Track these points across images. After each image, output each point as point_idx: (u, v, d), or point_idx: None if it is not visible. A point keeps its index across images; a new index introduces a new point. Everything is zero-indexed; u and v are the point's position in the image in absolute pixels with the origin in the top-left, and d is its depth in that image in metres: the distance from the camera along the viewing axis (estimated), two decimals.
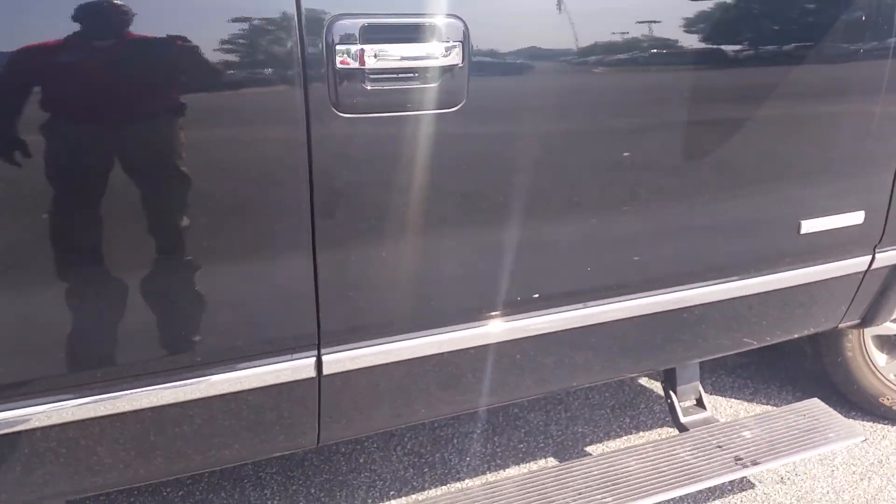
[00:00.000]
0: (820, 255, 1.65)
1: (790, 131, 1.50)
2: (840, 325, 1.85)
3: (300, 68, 1.05)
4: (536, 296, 1.38)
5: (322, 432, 1.33)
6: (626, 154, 1.33)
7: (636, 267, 1.44)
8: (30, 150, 0.95)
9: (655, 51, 1.28)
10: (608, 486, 1.53)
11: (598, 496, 1.51)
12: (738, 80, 1.41)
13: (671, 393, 1.82)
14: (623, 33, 1.26)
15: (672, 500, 1.87)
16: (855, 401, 2.23)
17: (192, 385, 1.16)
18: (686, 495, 1.90)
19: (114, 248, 1.03)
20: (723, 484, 1.97)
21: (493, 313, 1.35)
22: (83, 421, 1.09)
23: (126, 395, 1.11)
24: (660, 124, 1.34)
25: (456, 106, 1.16)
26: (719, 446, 1.72)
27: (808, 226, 1.59)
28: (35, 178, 0.96)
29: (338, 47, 1.06)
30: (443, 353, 1.35)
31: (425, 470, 1.99)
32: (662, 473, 1.61)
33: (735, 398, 2.36)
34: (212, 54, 1.00)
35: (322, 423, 1.32)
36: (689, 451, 1.69)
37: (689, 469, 1.63)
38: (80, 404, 1.09)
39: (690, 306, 1.55)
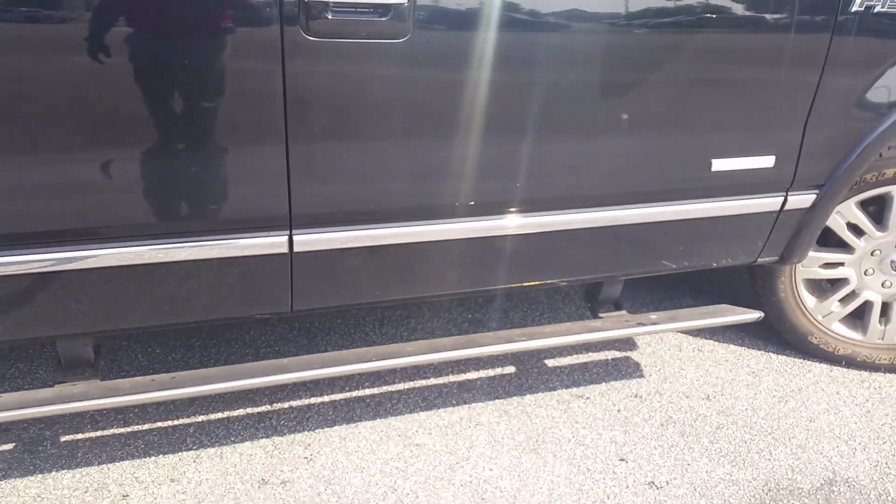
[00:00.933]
0: (732, 192, 1.91)
1: (705, 84, 1.76)
2: (759, 260, 2.11)
3: (277, 6, 1.36)
4: (472, 203, 1.68)
5: (294, 301, 1.66)
6: (555, 85, 1.61)
7: (563, 185, 1.73)
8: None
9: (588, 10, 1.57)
10: (526, 336, 1.87)
11: (517, 337, 1.85)
12: (658, 40, 1.67)
13: (594, 304, 2.11)
14: None
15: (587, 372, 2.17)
16: (789, 339, 2.48)
17: (195, 247, 1.50)
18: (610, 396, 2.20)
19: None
20: (652, 395, 2.27)
21: (436, 214, 1.66)
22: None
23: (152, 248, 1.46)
24: (585, 70, 1.63)
25: (403, 38, 1.46)
26: (626, 320, 2.03)
27: (719, 164, 1.85)
28: None
29: None
30: (393, 244, 1.66)
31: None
32: (571, 330, 1.94)
33: (676, 334, 2.63)
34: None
35: (294, 292, 1.65)
36: (598, 322, 2.01)
37: (594, 328, 1.96)
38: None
39: (611, 226, 1.83)
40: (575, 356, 2.44)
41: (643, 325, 2.04)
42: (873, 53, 1.87)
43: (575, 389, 2.28)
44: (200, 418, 2.07)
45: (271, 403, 2.14)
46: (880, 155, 2.11)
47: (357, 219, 1.62)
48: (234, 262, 1.55)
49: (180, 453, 1.94)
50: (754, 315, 2.15)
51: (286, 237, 1.57)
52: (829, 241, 2.29)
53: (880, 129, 1.95)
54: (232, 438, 2.00)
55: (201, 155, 1.44)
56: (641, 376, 2.36)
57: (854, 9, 1.80)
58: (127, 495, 1.81)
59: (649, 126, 1.75)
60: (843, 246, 2.29)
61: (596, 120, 1.69)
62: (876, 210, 2.24)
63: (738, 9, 1.71)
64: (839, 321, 2.42)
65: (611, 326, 2.00)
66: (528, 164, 1.67)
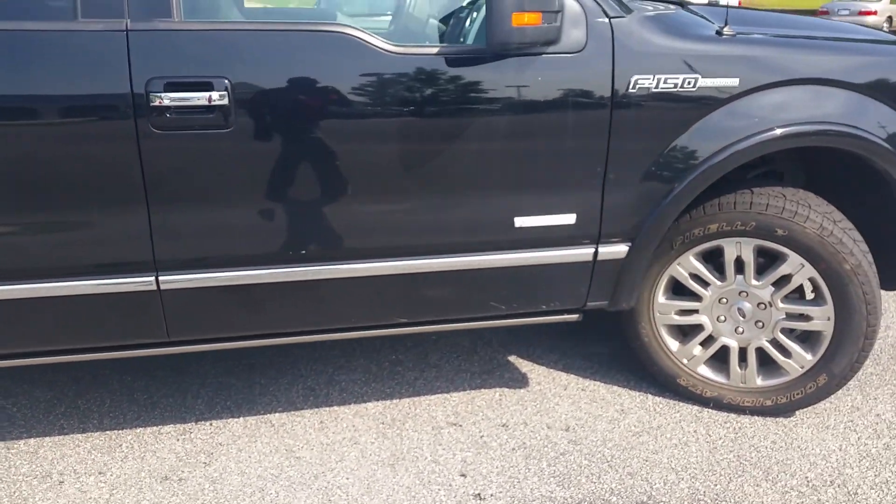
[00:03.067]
0: (539, 244, 2.27)
1: (504, 154, 2.15)
2: (588, 304, 2.42)
3: (131, 104, 1.93)
4: (304, 252, 2.15)
5: (169, 328, 2.18)
6: (367, 159, 2.08)
7: (385, 237, 2.16)
8: None
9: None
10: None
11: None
12: (457, 120, 2.10)
13: None
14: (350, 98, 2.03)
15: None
16: (661, 382, 2.73)
17: (84, 283, 2.06)
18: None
19: None
20: (519, 425, 2.58)
21: (273, 261, 2.14)
22: None
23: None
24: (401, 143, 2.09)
25: (228, 128, 2.00)
26: None
27: (521, 221, 2.23)
28: None
29: (151, 94, 1.94)
30: (241, 285, 2.15)
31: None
32: None
33: (567, 374, 2.92)
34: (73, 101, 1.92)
35: (168, 323, 2.17)
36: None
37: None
38: None
39: (432, 272, 2.24)
40: (466, 391, 2.79)
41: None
42: (656, 126, 2.21)
43: (453, 418, 2.63)
44: (138, 429, 2.60)
45: (196, 421, 2.64)
46: (703, 211, 2.40)
47: (213, 264, 2.12)
48: (116, 297, 2.09)
49: (112, 453, 2.47)
50: (573, 316, 2.43)
51: (153, 277, 2.10)
52: (685, 290, 2.55)
53: (675, 192, 2.25)
54: (156, 445, 2.51)
55: (86, 214, 2.00)
56: (517, 409, 2.68)
57: (629, 90, 2.16)
58: (62, 482, 2.34)
59: (457, 190, 2.16)
60: (693, 294, 2.55)
61: (409, 185, 2.13)
62: (718, 261, 2.50)
63: (529, 92, 2.11)
64: (704, 364, 2.64)
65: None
66: (350, 219, 2.13)
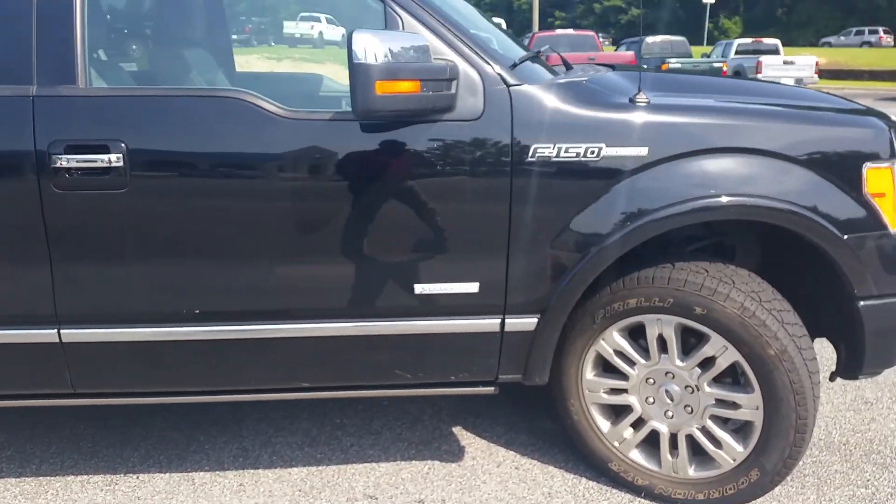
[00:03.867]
0: (443, 313, 2.22)
1: (401, 223, 2.14)
2: (500, 377, 2.33)
3: (35, 165, 2.04)
4: (197, 311, 2.19)
5: (72, 380, 2.24)
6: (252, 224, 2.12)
7: (276, 299, 2.17)
8: None
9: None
10: None
11: None
12: (352, 190, 2.11)
13: None
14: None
15: None
16: (594, 464, 2.58)
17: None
18: None
19: None
20: (436, 501, 2.49)
21: (170, 319, 2.18)
22: None
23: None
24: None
25: (124, 189, 2.08)
26: None
27: (423, 288, 2.19)
28: None
29: (52, 156, 2.05)
30: (139, 341, 2.20)
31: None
32: None
33: (505, 451, 2.80)
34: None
35: (71, 375, 2.23)
36: None
37: None
38: None
39: (335, 336, 2.22)
40: (396, 462, 2.72)
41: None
42: (559, 196, 2.15)
43: (372, 490, 2.56)
44: (69, 477, 2.65)
45: (126, 473, 2.67)
46: (623, 285, 2.30)
47: (111, 319, 2.18)
48: (22, 347, 2.17)
49: (35, 500, 2.52)
50: (488, 389, 2.33)
51: (55, 330, 2.17)
52: (615, 367, 2.43)
53: (581, 264, 2.17)
54: (79, 494, 2.55)
55: None
56: (441, 485, 2.58)
57: (528, 158, 2.12)
58: None
59: (353, 254, 2.16)
60: (621, 373, 2.43)
61: (302, 248, 2.14)
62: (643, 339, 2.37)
63: (425, 158, 2.10)
64: (636, 449, 2.49)
65: None
66: (240, 281, 2.16)
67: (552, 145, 2.11)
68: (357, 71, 1.83)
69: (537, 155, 2.12)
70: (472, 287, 2.20)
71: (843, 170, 2.22)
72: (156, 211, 2.09)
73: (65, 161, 2.04)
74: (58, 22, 2.06)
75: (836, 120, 2.32)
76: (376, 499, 2.52)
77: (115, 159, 2.05)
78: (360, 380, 2.32)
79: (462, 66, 2.10)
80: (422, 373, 2.31)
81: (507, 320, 2.25)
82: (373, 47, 1.82)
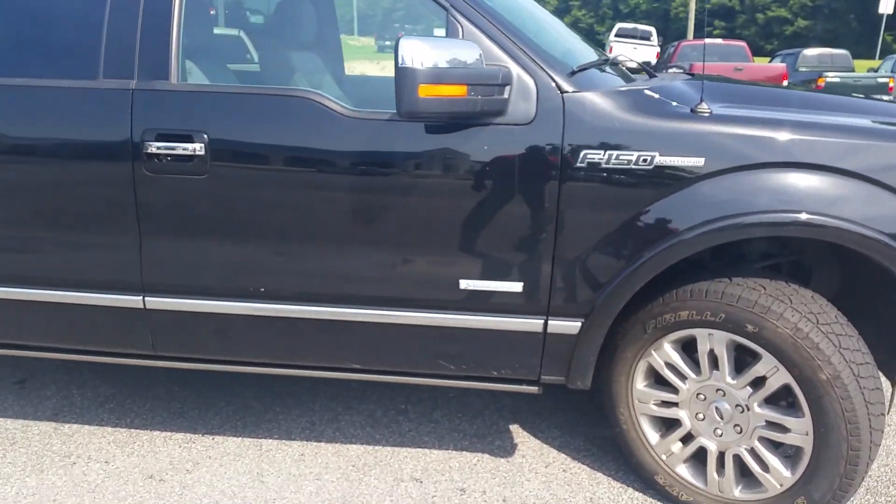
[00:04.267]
0: (486, 309, 2.29)
1: (453, 217, 2.24)
2: (543, 378, 2.36)
3: (131, 151, 2.31)
4: (262, 290, 2.38)
5: (154, 343, 2.50)
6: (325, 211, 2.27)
7: (335, 285, 2.32)
8: None
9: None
10: None
11: None
12: (411, 183, 2.22)
13: None
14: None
15: None
16: (641, 476, 2.56)
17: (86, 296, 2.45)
18: None
19: None
20: (476, 493, 2.57)
21: (241, 294, 2.39)
22: None
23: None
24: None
25: (204, 175, 2.30)
26: None
27: (467, 284, 2.27)
28: None
29: (145, 142, 2.30)
30: (213, 313, 2.42)
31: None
32: None
33: (560, 451, 2.82)
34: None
35: (153, 337, 2.49)
36: None
37: None
38: None
39: (384, 323, 2.34)
40: (448, 451, 2.81)
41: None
42: (608, 203, 2.15)
43: (419, 474, 2.67)
44: (156, 432, 2.95)
45: (203, 433, 2.93)
46: (675, 296, 2.28)
47: (189, 291, 2.42)
48: (110, 310, 2.46)
49: (124, 448, 2.83)
50: (531, 388, 2.36)
51: (141, 297, 2.44)
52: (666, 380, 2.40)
53: (627, 273, 2.16)
54: (161, 447, 2.83)
55: (89, 242, 2.40)
56: (486, 477, 2.65)
57: (578, 164, 2.14)
58: (75, 463, 2.73)
59: (403, 246, 2.27)
60: (672, 386, 2.40)
61: (359, 237, 2.28)
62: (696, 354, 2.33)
63: (475, 159, 2.18)
64: (683, 464, 2.44)
65: None
66: (304, 265, 2.32)
67: (603, 152, 2.12)
68: (401, 75, 1.93)
69: (587, 160, 2.13)
70: (517, 287, 2.25)
71: None
72: (230, 197, 2.29)
73: (154, 146, 2.28)
74: (157, 22, 2.30)
75: None
76: (421, 482, 2.62)
77: (199, 148, 2.26)
78: (405, 367, 2.42)
79: (517, 71, 2.15)
80: (465, 366, 2.38)
81: (550, 322, 2.28)
82: (419, 53, 1.91)
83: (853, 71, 17.37)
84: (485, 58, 2.13)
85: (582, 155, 2.13)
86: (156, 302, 2.43)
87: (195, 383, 3.33)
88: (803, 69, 16.68)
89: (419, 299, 2.31)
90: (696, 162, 2.10)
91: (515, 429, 3.00)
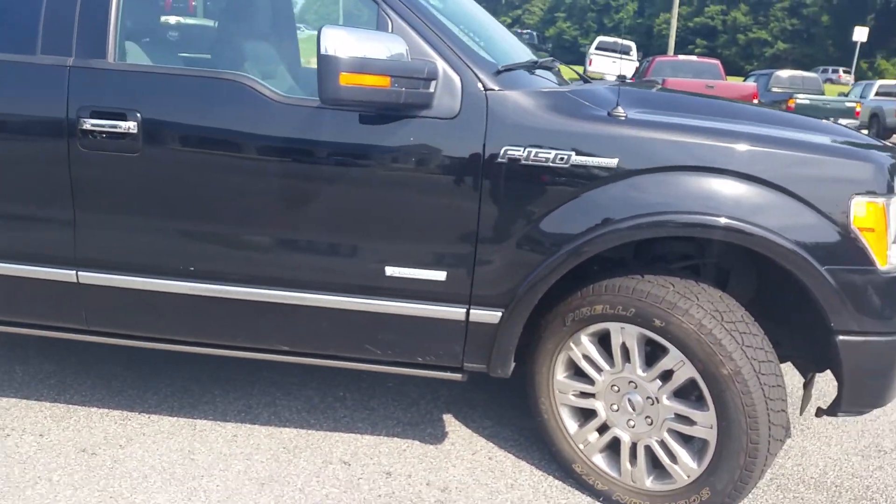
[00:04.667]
0: (411, 296, 2.35)
1: (379, 205, 2.30)
2: (466, 365, 2.43)
3: (67, 127, 2.35)
4: (191, 269, 2.43)
5: (87, 318, 2.54)
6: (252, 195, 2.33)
7: (267, 266, 2.38)
8: None
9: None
10: None
11: None
12: (334, 174, 2.29)
13: None
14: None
15: None
16: (561, 466, 2.63)
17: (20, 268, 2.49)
18: None
19: None
20: (403, 476, 2.63)
21: (168, 273, 2.44)
22: None
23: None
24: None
25: (136, 153, 2.35)
26: None
27: (393, 271, 2.33)
28: None
29: (80, 119, 2.34)
30: (142, 289, 2.47)
31: None
32: None
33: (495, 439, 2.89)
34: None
35: (86, 311, 2.53)
36: None
37: None
38: None
39: (311, 306, 2.40)
40: (380, 437, 2.87)
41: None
42: (527, 198, 2.23)
43: (348, 458, 2.73)
44: (92, 408, 2.98)
45: (140, 412, 2.98)
46: (592, 290, 2.35)
47: (121, 267, 2.46)
48: (45, 283, 2.50)
49: (60, 422, 2.87)
50: (455, 375, 2.44)
51: (74, 272, 2.48)
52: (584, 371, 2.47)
53: (544, 266, 2.24)
54: (96, 423, 2.87)
55: (26, 215, 2.44)
56: (412, 462, 2.71)
57: (499, 159, 2.22)
58: (9, 435, 2.77)
59: (331, 232, 2.33)
60: (588, 377, 2.47)
61: (285, 220, 2.34)
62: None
63: (401, 149, 2.25)
64: (599, 454, 2.52)
65: None
66: (232, 245, 2.38)
67: (522, 148, 2.20)
68: (323, 62, 1.99)
69: (507, 156, 2.21)
70: (440, 275, 2.32)
71: (826, 200, 2.17)
72: (161, 176, 2.34)
73: (89, 123, 2.32)
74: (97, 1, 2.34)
75: (826, 149, 2.26)
76: (349, 465, 2.68)
77: (131, 127, 2.31)
78: (333, 350, 2.48)
79: (443, 67, 2.22)
80: (390, 351, 2.45)
81: (472, 311, 2.35)
82: (342, 42, 1.98)
83: (823, 94, 17.64)
84: (412, 52, 2.20)
85: (503, 150, 2.21)
86: (89, 277, 2.48)
87: (137, 364, 3.37)
88: (776, 90, 16.93)
89: (346, 284, 2.37)
90: (609, 162, 2.18)
91: (448, 418, 3.07)
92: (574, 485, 2.61)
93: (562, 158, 2.19)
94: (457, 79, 2.23)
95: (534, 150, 2.20)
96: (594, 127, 2.21)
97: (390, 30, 2.25)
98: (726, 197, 2.14)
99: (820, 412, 2.42)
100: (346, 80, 2.00)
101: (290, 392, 3.21)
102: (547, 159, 2.19)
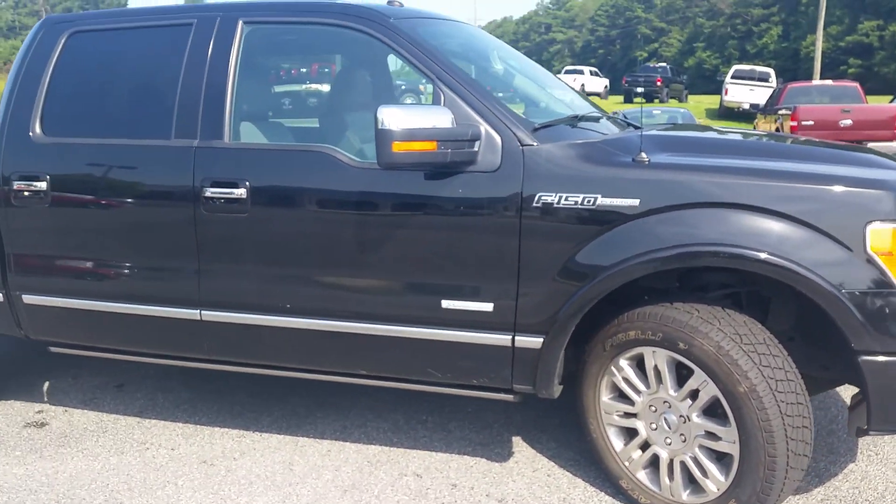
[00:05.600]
0: (463, 325, 2.73)
1: (436, 248, 2.73)
2: (515, 387, 2.76)
3: (193, 194, 2.96)
4: (288, 306, 2.94)
5: (208, 349, 3.12)
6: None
7: (346, 303, 2.85)
8: None
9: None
10: None
11: None
12: (395, 225, 2.74)
13: None
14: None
15: None
16: (611, 482, 2.88)
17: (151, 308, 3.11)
18: None
19: None
20: (464, 489, 2.99)
21: (270, 310, 2.96)
22: None
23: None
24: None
25: (245, 214, 2.92)
26: None
27: (448, 304, 2.74)
28: None
29: (203, 188, 2.95)
30: (252, 324, 3.01)
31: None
32: None
33: (550, 460, 3.18)
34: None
35: (207, 343, 3.11)
36: None
37: None
38: None
39: (383, 335, 2.84)
40: (452, 454, 3.22)
41: None
42: (559, 236, 2.56)
43: (421, 471, 3.10)
44: (216, 428, 3.56)
45: (255, 430, 3.52)
46: (626, 318, 2.64)
47: (235, 306, 3.02)
48: (174, 321, 3.09)
49: (189, 438, 3.45)
50: (507, 396, 2.76)
51: (198, 311, 3.06)
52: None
53: (577, 295, 2.55)
54: (217, 439, 3.43)
55: (162, 266, 3.06)
56: (477, 476, 3.05)
57: (534, 204, 2.58)
58: (147, 448, 3.38)
59: (398, 272, 2.78)
60: (629, 399, 2.75)
61: (361, 263, 2.80)
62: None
63: (452, 199, 2.66)
64: (643, 470, 2.76)
65: None
66: (321, 286, 2.87)
67: (554, 194, 2.55)
68: (379, 135, 2.46)
69: (542, 201, 2.57)
70: (488, 307, 2.68)
71: (841, 227, 2.35)
72: (265, 231, 2.89)
73: (210, 191, 2.92)
74: (215, 96, 2.96)
75: (837, 180, 2.44)
76: (421, 477, 3.06)
77: (242, 193, 2.88)
78: (402, 373, 2.89)
79: (486, 129, 2.63)
80: (449, 374, 2.82)
81: (517, 337, 2.69)
82: (394, 117, 2.44)
83: None
84: (461, 118, 2.63)
85: (538, 196, 2.57)
86: (210, 315, 3.04)
87: (259, 392, 3.93)
88: None
89: (410, 316, 2.79)
90: (632, 202, 2.49)
91: (517, 440, 3.38)
92: (622, 499, 2.84)
93: (589, 201, 2.52)
94: (498, 138, 2.64)
95: (564, 195, 2.54)
96: (618, 172, 2.53)
97: (443, 101, 2.69)
98: (736, 228, 2.38)
99: (860, 432, 2.54)
100: (398, 147, 2.45)
101: (380, 415, 3.64)
102: (576, 202, 2.53)
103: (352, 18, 2.91)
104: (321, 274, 2.86)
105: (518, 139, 2.62)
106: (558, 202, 2.55)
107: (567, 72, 38.90)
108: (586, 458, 3.16)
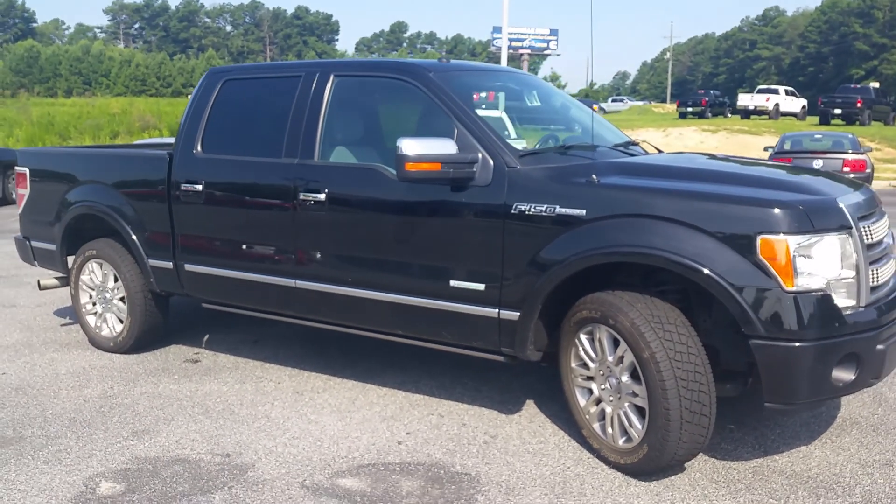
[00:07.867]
0: (465, 300, 3.68)
1: (449, 240, 3.72)
2: (503, 350, 3.67)
3: (293, 197, 4.18)
4: (350, 279, 4.07)
5: (297, 308, 4.32)
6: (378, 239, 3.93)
7: (371, 276, 3.93)
8: None
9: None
10: None
11: None
12: (412, 218, 3.78)
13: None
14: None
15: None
16: (578, 430, 3.69)
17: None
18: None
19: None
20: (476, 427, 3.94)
21: (336, 282, 4.11)
22: None
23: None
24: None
25: (324, 211, 4.09)
26: None
27: (454, 283, 3.71)
28: None
29: (299, 193, 4.16)
30: (329, 293, 4.17)
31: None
32: None
33: (544, 413, 4.02)
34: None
35: (298, 306, 4.31)
36: None
37: None
38: None
39: (409, 304, 3.87)
40: (473, 405, 4.17)
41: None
42: (530, 236, 3.44)
43: (444, 412, 4.09)
44: (325, 376, 4.78)
45: (330, 377, 4.70)
46: (583, 301, 3.47)
47: (319, 278, 4.19)
48: (274, 286, 4.34)
49: (304, 385, 4.71)
50: (498, 357, 3.66)
51: (293, 281, 4.28)
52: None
53: (541, 281, 3.42)
54: (310, 383, 4.66)
55: (271, 245, 4.32)
56: (485, 420, 3.98)
57: (513, 211, 3.49)
58: (301, 394, 4.67)
59: (422, 258, 3.80)
60: (586, 365, 3.56)
61: (397, 249, 3.86)
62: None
63: (459, 205, 3.65)
64: (598, 422, 3.53)
65: None
66: (370, 265, 3.97)
67: (527, 203, 3.45)
68: (397, 158, 3.49)
69: (518, 209, 3.47)
70: (481, 287, 3.62)
71: (737, 237, 3.04)
72: (338, 224, 4.04)
73: (303, 195, 4.12)
74: (310, 126, 4.17)
75: (741, 199, 3.09)
76: (443, 416, 4.03)
77: (322, 197, 4.06)
78: (425, 334, 3.90)
79: (482, 154, 3.58)
80: (456, 336, 3.78)
81: (501, 311, 3.59)
82: (410, 146, 3.46)
83: None
84: (466, 147, 3.60)
85: (515, 205, 3.47)
86: (301, 283, 4.24)
87: (349, 352, 5.10)
88: None
89: (429, 290, 3.79)
90: (580, 212, 3.32)
91: (529, 402, 4.24)
92: (584, 443, 3.62)
93: (551, 210, 3.38)
94: (491, 161, 3.57)
95: (534, 205, 3.43)
96: (573, 189, 3.38)
97: (455, 134, 3.68)
98: (658, 235, 3.12)
99: (765, 408, 3.16)
100: (410, 166, 3.48)
101: (433, 377, 4.64)
102: (542, 210, 3.40)
103: (401, 73, 4.00)
104: (371, 256, 3.95)
105: (506, 162, 3.55)
106: (529, 210, 3.43)
107: (759, 91, 37.42)
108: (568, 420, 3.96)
